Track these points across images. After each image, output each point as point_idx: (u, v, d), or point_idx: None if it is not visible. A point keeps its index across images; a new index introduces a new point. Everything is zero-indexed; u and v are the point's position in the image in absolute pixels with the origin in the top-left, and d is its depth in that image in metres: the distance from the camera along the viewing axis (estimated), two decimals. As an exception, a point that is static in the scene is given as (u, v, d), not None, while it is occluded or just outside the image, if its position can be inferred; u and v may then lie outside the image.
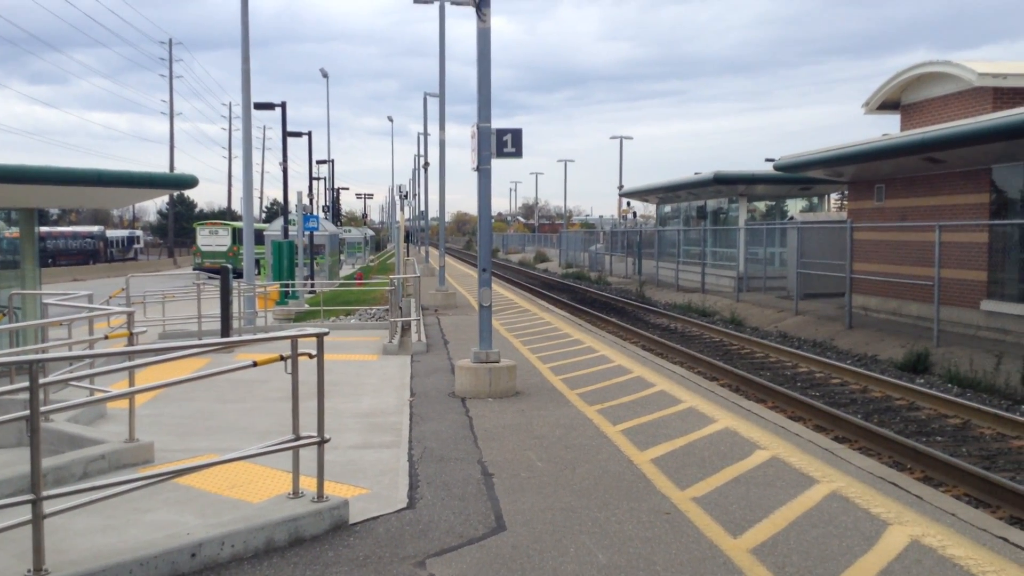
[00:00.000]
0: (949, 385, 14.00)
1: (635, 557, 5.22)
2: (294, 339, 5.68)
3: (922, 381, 14.41)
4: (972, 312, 17.91)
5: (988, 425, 11.15)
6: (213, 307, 16.22)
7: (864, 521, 5.79)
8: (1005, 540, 5.45)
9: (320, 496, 5.75)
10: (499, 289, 31.16)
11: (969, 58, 19.49)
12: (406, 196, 31.54)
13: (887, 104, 22.37)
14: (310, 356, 5.68)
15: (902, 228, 20.41)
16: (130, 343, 7.97)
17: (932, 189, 19.79)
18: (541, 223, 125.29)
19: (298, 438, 5.73)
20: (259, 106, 29.72)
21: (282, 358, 5.65)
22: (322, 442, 5.73)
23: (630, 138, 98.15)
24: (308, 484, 5.98)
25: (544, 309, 22.96)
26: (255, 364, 5.54)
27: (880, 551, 5.25)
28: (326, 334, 5.78)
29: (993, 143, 16.03)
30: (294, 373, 5.65)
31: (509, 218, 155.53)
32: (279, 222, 33.23)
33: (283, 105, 29.55)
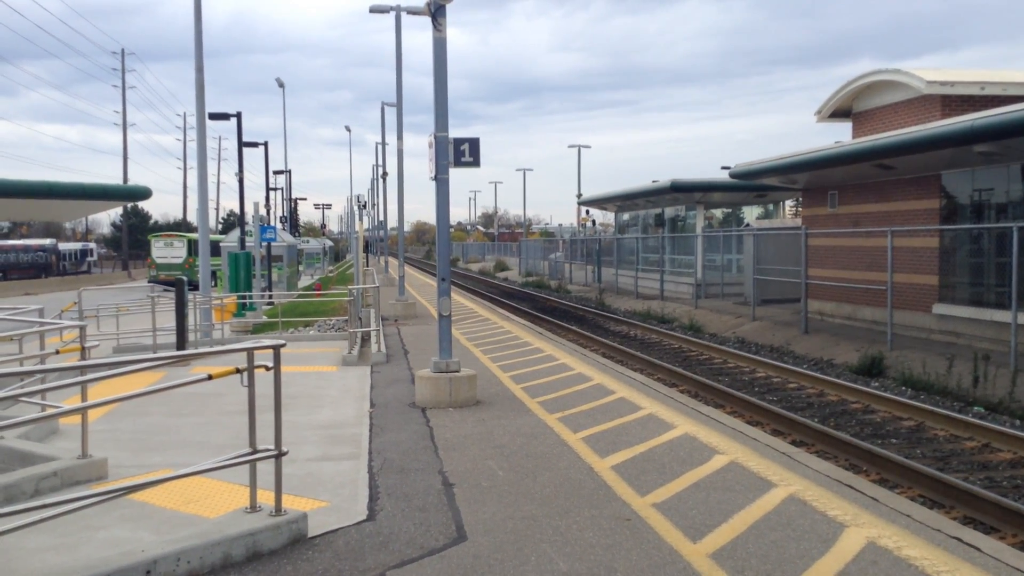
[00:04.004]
0: (903, 388, 14.24)
1: (596, 564, 5.23)
2: (250, 351, 5.61)
3: (877, 384, 14.65)
4: (924, 316, 18.26)
5: (941, 427, 11.36)
6: (168, 320, 15.97)
7: (821, 524, 5.86)
8: (959, 540, 5.55)
9: (278, 510, 5.68)
10: (459, 299, 31.10)
11: (914, 67, 19.85)
12: (364, 206, 31.39)
13: (839, 112, 22.77)
14: (267, 368, 5.61)
15: (855, 234, 20.76)
16: (82, 357, 7.81)
17: (884, 195, 20.17)
18: (501, 232, 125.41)
19: (255, 451, 5.65)
20: (214, 116, 29.41)
21: (238, 371, 5.57)
22: (279, 455, 5.66)
23: (588, 147, 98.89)
24: (266, 498, 5.90)
25: (504, 318, 22.96)
26: (210, 377, 5.46)
27: (837, 553, 5.32)
28: (283, 346, 5.72)
29: (942, 150, 16.39)
30: (250, 386, 5.58)
31: (469, 227, 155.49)
32: (236, 233, 32.88)
33: (239, 115, 29.28)
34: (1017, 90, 18.15)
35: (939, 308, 17.88)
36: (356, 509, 6.35)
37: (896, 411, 12.34)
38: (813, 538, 5.58)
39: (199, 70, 19.03)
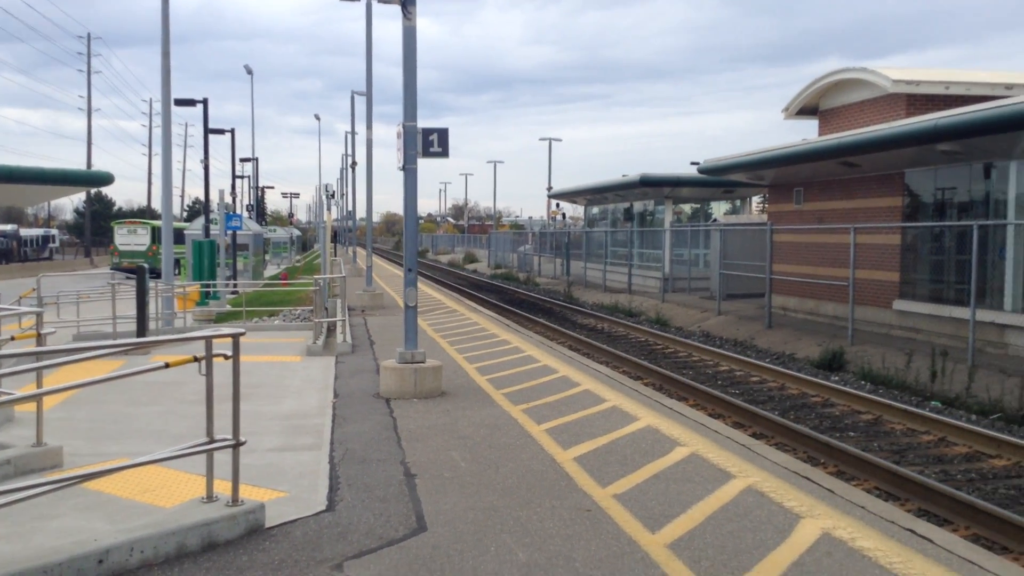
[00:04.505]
0: (862, 382, 14.44)
1: (555, 555, 5.24)
2: (208, 339, 5.55)
3: (837, 378, 14.84)
4: (885, 312, 18.51)
5: (899, 421, 11.54)
6: (130, 308, 15.74)
7: (778, 515, 5.92)
8: (912, 532, 5.63)
9: (235, 500, 5.63)
10: (428, 290, 31.03)
11: (880, 66, 20.08)
12: (333, 195, 31.14)
13: (806, 110, 22.97)
14: (225, 357, 5.55)
15: (819, 230, 20.99)
16: (39, 344, 7.69)
17: (848, 192, 20.40)
18: (471, 224, 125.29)
19: (212, 441, 5.60)
20: (180, 102, 29.02)
21: (196, 359, 5.51)
22: (237, 445, 5.61)
23: (559, 140, 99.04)
24: (224, 488, 5.83)
25: (472, 310, 22.94)
26: (167, 365, 5.39)
27: (792, 544, 5.38)
28: (242, 334, 5.66)
29: (906, 148, 16.60)
30: (208, 374, 5.52)
31: (439, 219, 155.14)
32: (200, 221, 32.49)
33: (205, 101, 28.93)
34: (981, 90, 18.41)
35: (900, 304, 18.13)
36: (315, 499, 6.31)
37: (855, 405, 12.51)
38: (769, 529, 5.64)
39: (165, 55, 18.77)
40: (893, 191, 18.85)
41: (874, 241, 18.89)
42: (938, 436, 10.72)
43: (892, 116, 18.90)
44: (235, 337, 5.58)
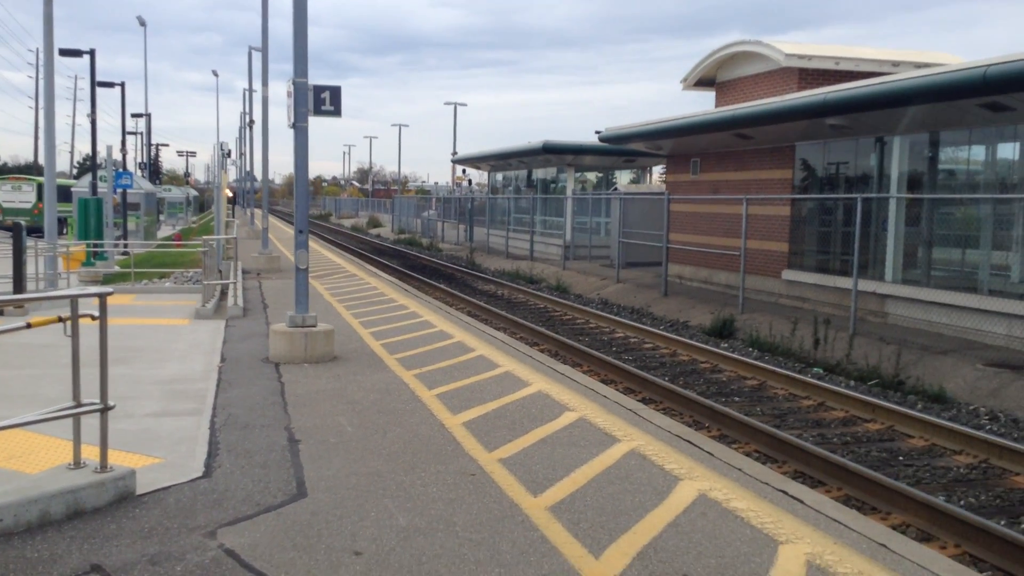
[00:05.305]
0: (750, 349, 14.88)
1: (435, 519, 5.22)
2: (74, 299, 5.29)
3: (726, 345, 15.25)
4: (775, 281, 19.11)
5: (782, 386, 11.93)
6: (8, 268, 14.96)
7: (658, 477, 6.04)
8: (784, 493, 5.82)
9: (104, 466, 5.40)
10: (329, 254, 30.51)
11: (776, 40, 20.54)
12: (229, 154, 30.23)
13: (703, 81, 23.34)
14: (92, 318, 5.30)
15: (714, 201, 21.44)
16: None
17: (742, 164, 20.88)
18: (376, 188, 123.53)
19: (79, 405, 5.36)
20: (65, 52, 27.61)
21: (60, 320, 5.25)
22: (105, 409, 5.37)
23: (464, 104, 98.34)
24: (94, 454, 5.60)
25: (372, 275, 22.67)
26: (29, 326, 5.11)
27: (670, 505, 5.49)
28: (109, 294, 5.41)
29: (797, 121, 17.06)
30: (74, 336, 5.27)
31: (343, 182, 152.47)
32: (88, 179, 31.06)
33: (92, 52, 27.53)
34: (869, 67, 19.03)
35: (788, 274, 18.73)
36: (192, 466, 6.12)
37: (742, 371, 12.88)
38: (648, 491, 5.74)
39: (47, 1, 17.72)
40: (785, 164, 19.38)
41: (765, 212, 19.42)
42: (818, 401, 11.14)
43: (785, 90, 19.38)
44: (102, 297, 5.32)
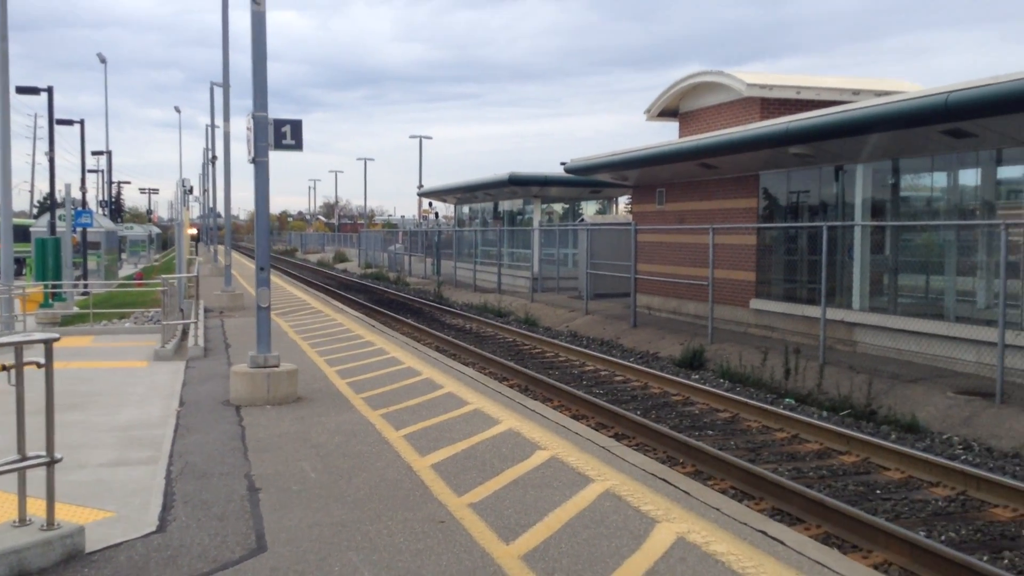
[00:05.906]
0: (721, 380, 14.76)
1: (403, 572, 4.97)
2: (18, 346, 5.01)
3: (697, 377, 15.12)
4: (743, 311, 19.07)
5: (755, 418, 11.80)
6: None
7: (634, 520, 5.83)
8: (764, 533, 5.63)
9: (50, 523, 5.09)
10: (293, 290, 30.13)
11: (737, 71, 20.71)
12: (191, 190, 29.84)
13: (667, 112, 23.45)
14: (38, 365, 5.02)
15: (680, 231, 21.45)
16: None
17: (707, 194, 20.93)
18: (343, 223, 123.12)
19: (24, 458, 5.05)
20: (22, 90, 27.29)
21: (3, 368, 4.97)
22: (52, 462, 5.07)
23: (429, 138, 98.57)
24: (41, 509, 5.29)
25: (338, 311, 22.35)
26: (-33, 376, 4.82)
27: (647, 550, 5.28)
28: (56, 339, 5.14)
29: (760, 150, 17.13)
30: (19, 384, 4.99)
31: (309, 217, 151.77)
32: (47, 218, 30.48)
33: (49, 89, 27.20)
34: (830, 95, 19.20)
35: (756, 303, 18.71)
36: (146, 520, 5.81)
37: (713, 403, 12.74)
38: (625, 535, 5.53)
39: (2, 38, 17.39)
40: (749, 193, 19.44)
41: (732, 241, 19.44)
42: (791, 433, 11.01)
43: (747, 119, 19.48)
44: (48, 343, 5.05)
